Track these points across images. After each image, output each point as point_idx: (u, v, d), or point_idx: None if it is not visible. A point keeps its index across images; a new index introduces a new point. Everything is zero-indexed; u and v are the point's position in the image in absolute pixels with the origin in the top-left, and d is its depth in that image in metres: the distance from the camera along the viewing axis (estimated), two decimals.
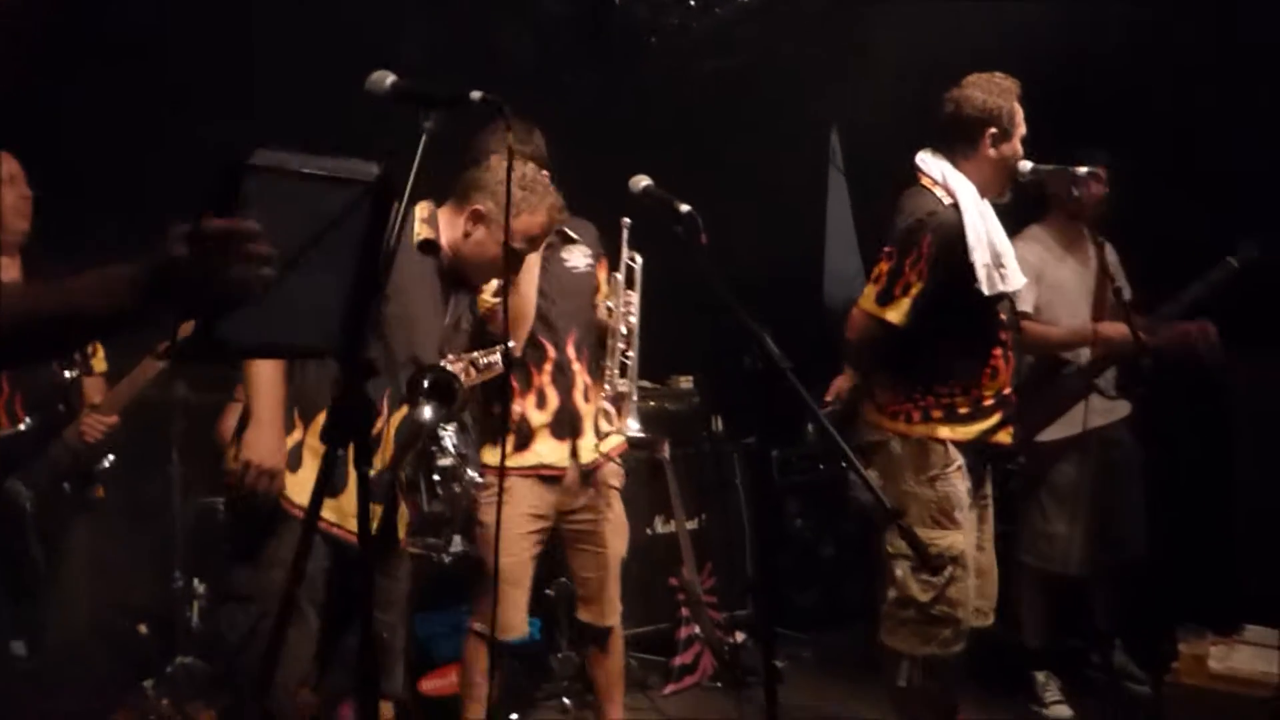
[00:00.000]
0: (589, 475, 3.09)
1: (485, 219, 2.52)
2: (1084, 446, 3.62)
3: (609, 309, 3.18)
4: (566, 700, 3.83)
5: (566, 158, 4.70)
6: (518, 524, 2.98)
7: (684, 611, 4.16)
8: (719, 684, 4.06)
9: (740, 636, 4.60)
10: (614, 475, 3.16)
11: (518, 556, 2.99)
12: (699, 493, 4.52)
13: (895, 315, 2.73)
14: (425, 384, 2.44)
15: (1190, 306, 3.53)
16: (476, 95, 1.67)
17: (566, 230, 3.11)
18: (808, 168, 5.41)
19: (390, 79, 1.74)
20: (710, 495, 4.58)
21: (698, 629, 4.14)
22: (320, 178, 1.46)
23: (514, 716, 3.68)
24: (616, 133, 5.00)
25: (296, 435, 2.38)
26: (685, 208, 2.24)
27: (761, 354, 2.00)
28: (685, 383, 4.77)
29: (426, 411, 2.44)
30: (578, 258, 3.14)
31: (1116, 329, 3.34)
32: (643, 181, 2.36)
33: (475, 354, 2.67)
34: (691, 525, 4.44)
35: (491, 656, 2.98)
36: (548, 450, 3.01)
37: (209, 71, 3.76)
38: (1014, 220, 3.78)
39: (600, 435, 3.10)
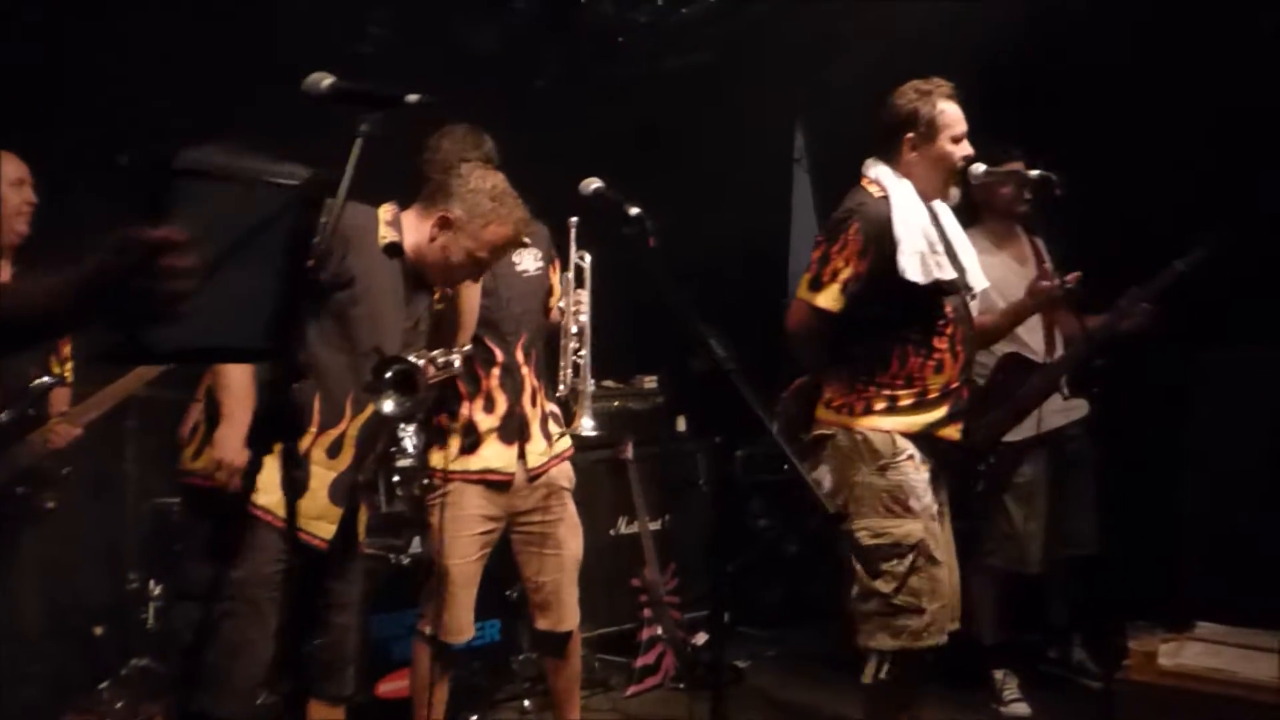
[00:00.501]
0: (537, 479, 3.08)
1: (453, 225, 2.52)
2: (1043, 445, 3.65)
3: (560, 309, 3.17)
4: (526, 702, 3.82)
5: (531, 156, 4.71)
6: (465, 526, 2.98)
7: (646, 613, 4.16)
8: (681, 685, 4.06)
9: (703, 637, 4.61)
10: (564, 476, 3.15)
11: (465, 559, 2.99)
12: (663, 493, 4.53)
13: (826, 300, 2.78)
14: (388, 375, 2.42)
15: (1135, 308, 3.55)
16: (413, 97, 1.66)
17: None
18: (773, 165, 5.42)
19: (327, 80, 1.72)
20: (674, 495, 4.59)
21: (660, 630, 4.14)
22: (250, 179, 1.45)
23: (474, 718, 3.66)
24: (582, 131, 5.00)
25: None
26: (634, 210, 2.23)
27: (707, 354, 2.00)
28: (649, 382, 4.77)
29: (389, 403, 2.43)
30: (529, 261, 3.12)
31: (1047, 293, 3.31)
32: (594, 184, 2.35)
33: (436, 353, 2.66)
34: (656, 525, 4.45)
35: (434, 659, 2.98)
36: (494, 455, 3.00)
37: (163, 71, 3.71)
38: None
39: (548, 439, 3.10)
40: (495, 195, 2.53)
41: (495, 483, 3.02)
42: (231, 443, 2.30)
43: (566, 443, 3.15)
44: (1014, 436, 3.63)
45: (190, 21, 3.85)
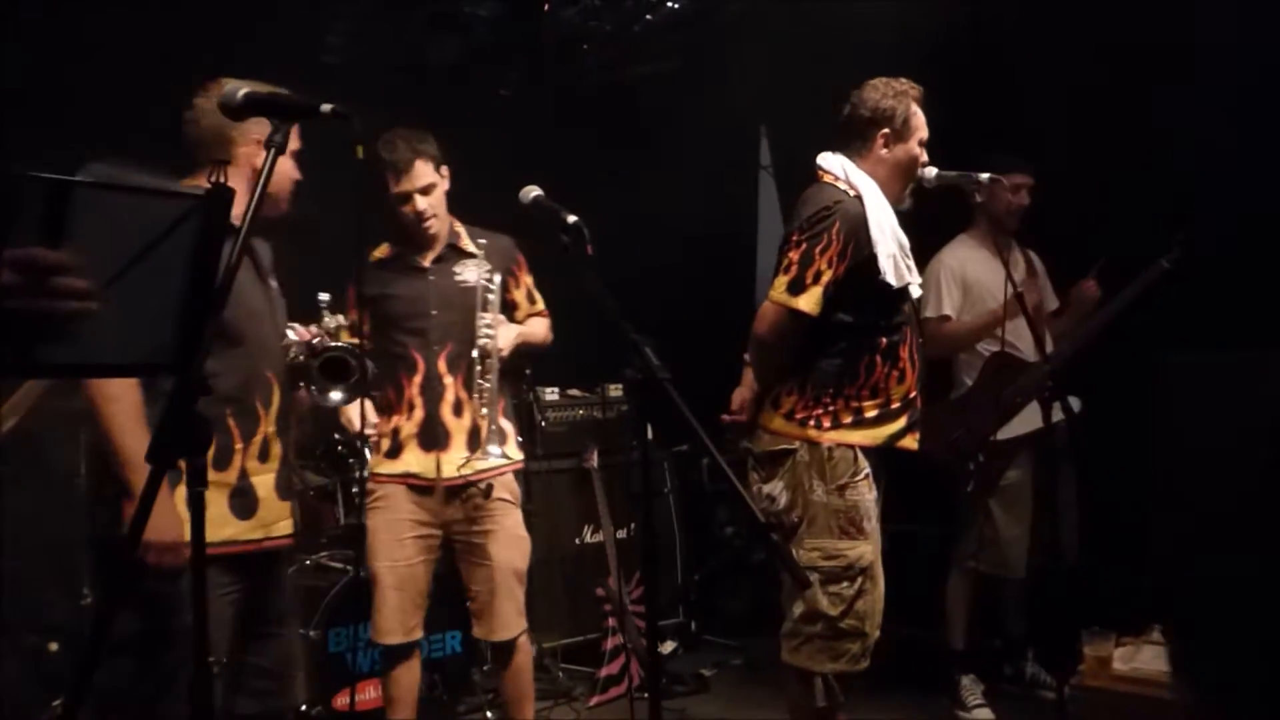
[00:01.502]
0: (459, 491, 3.04)
1: None
2: (1032, 446, 3.64)
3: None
4: (490, 714, 3.79)
5: (495, 164, 4.70)
6: (394, 529, 3.00)
7: (610, 622, 4.14)
8: (645, 694, 4.02)
9: (669, 646, 4.60)
10: (505, 489, 3.10)
11: (394, 561, 3.00)
12: (628, 502, 4.51)
13: (807, 304, 2.64)
14: (318, 367, 2.40)
15: (1124, 308, 3.58)
16: (327, 107, 1.64)
17: (462, 245, 3.10)
18: (738, 171, 5.42)
19: (243, 90, 1.70)
20: (639, 504, 4.56)
21: (624, 639, 4.12)
22: (151, 192, 1.43)
23: None
24: (545, 138, 5.00)
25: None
26: (572, 218, 2.20)
27: (641, 364, 1.97)
28: (615, 391, 4.76)
29: (335, 395, 2.43)
30: (470, 272, 3.07)
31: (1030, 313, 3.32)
32: (533, 192, 2.31)
33: (324, 320, 2.62)
34: (621, 534, 4.43)
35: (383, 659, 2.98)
36: (414, 460, 3.01)
37: (116, 79, 3.69)
38: (944, 230, 3.86)
39: (475, 450, 3.02)
40: None
41: (418, 487, 3.02)
42: (151, 523, 2.21)
43: (503, 460, 3.06)
44: (1003, 435, 3.63)
45: (148, 28, 3.85)
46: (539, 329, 3.28)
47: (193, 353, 1.41)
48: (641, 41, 5.00)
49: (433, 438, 3.00)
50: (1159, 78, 3.68)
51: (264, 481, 2.38)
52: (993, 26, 4.15)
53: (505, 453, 3.03)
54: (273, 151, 1.60)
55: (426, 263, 3.06)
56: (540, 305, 3.30)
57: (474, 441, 3.02)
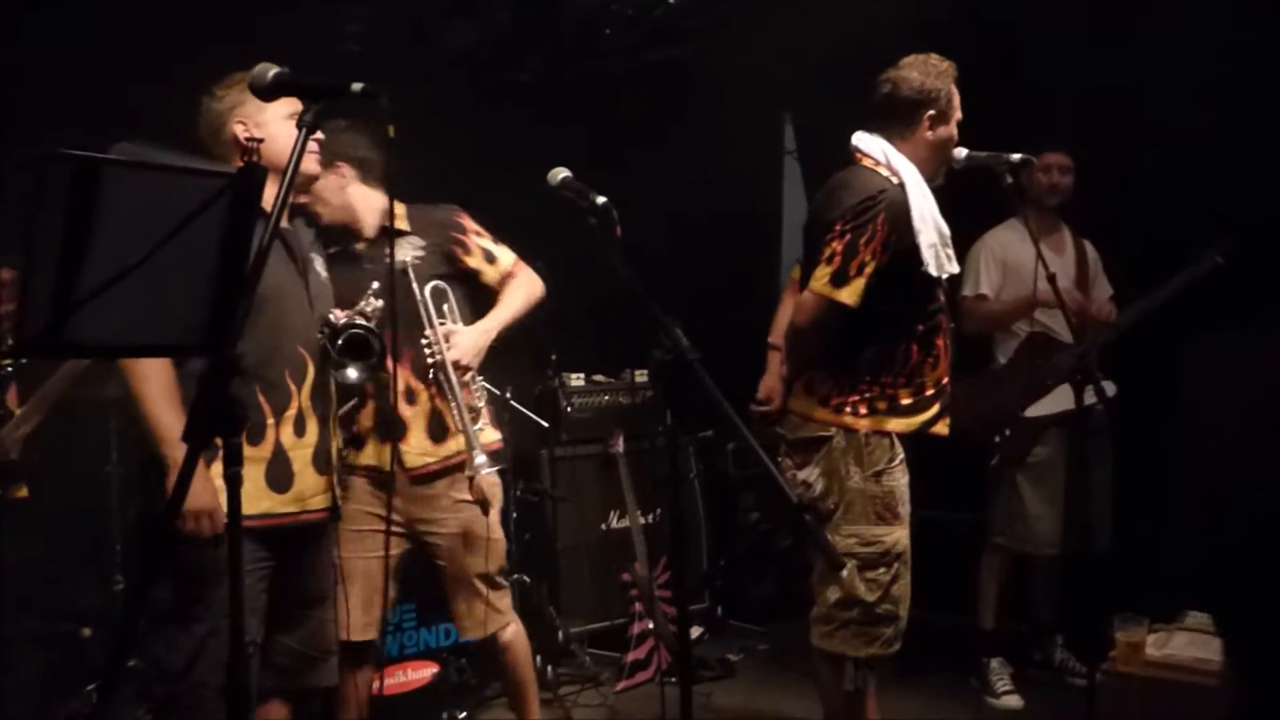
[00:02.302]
0: (424, 480, 2.89)
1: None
2: (1063, 427, 3.60)
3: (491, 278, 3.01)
4: None
5: (514, 148, 4.69)
6: (351, 520, 2.83)
7: (637, 607, 4.14)
8: (672, 680, 4.02)
9: (696, 631, 4.59)
10: (488, 487, 2.94)
11: (350, 554, 2.81)
12: (653, 487, 4.51)
13: (849, 296, 2.62)
14: (340, 344, 2.41)
15: (1168, 298, 3.53)
16: (357, 86, 1.64)
17: (397, 225, 2.91)
18: (762, 156, 5.38)
19: (273, 71, 1.70)
20: (665, 489, 4.55)
21: (651, 624, 4.12)
22: (182, 170, 1.43)
23: (462, 715, 3.65)
24: (565, 124, 4.98)
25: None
26: (601, 199, 2.19)
27: (671, 345, 1.96)
28: (640, 376, 4.75)
29: (351, 372, 2.43)
30: (404, 251, 2.89)
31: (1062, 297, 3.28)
32: (561, 173, 2.30)
33: (360, 304, 2.59)
34: (646, 520, 4.43)
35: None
36: (373, 451, 2.87)
37: (131, 65, 3.70)
38: (988, 211, 3.82)
39: (438, 441, 2.88)
40: None
41: (378, 480, 2.87)
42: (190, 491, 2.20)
43: (481, 457, 2.83)
44: (1033, 413, 3.60)
45: (169, 17, 3.85)
46: (517, 295, 3.01)
47: (224, 333, 1.41)
48: (663, 26, 4.96)
49: (388, 428, 2.85)
50: (1190, 67, 3.64)
51: (300, 456, 2.39)
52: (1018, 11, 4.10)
53: (485, 463, 2.81)
54: (304, 131, 1.59)
55: (360, 248, 2.90)
56: (506, 263, 3.02)
57: (436, 430, 2.88)
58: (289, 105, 2.25)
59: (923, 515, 2.90)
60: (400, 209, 2.95)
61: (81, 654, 3.66)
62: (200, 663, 2.22)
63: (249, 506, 2.16)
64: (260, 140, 2.20)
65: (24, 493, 3.18)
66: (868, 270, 2.61)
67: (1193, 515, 3.23)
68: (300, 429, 2.39)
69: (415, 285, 2.84)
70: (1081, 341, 3.55)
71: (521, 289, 3.03)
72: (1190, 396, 3.42)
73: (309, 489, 2.40)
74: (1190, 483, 3.42)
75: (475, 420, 2.88)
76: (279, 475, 2.35)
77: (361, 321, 2.43)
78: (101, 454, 3.65)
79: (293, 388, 2.37)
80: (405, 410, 2.87)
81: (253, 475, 2.29)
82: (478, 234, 3.01)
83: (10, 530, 3.15)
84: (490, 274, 3.01)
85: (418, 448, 2.88)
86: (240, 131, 2.33)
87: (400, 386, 2.83)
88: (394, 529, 2.88)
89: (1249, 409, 3.51)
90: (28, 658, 3.54)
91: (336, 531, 2.71)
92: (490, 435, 2.98)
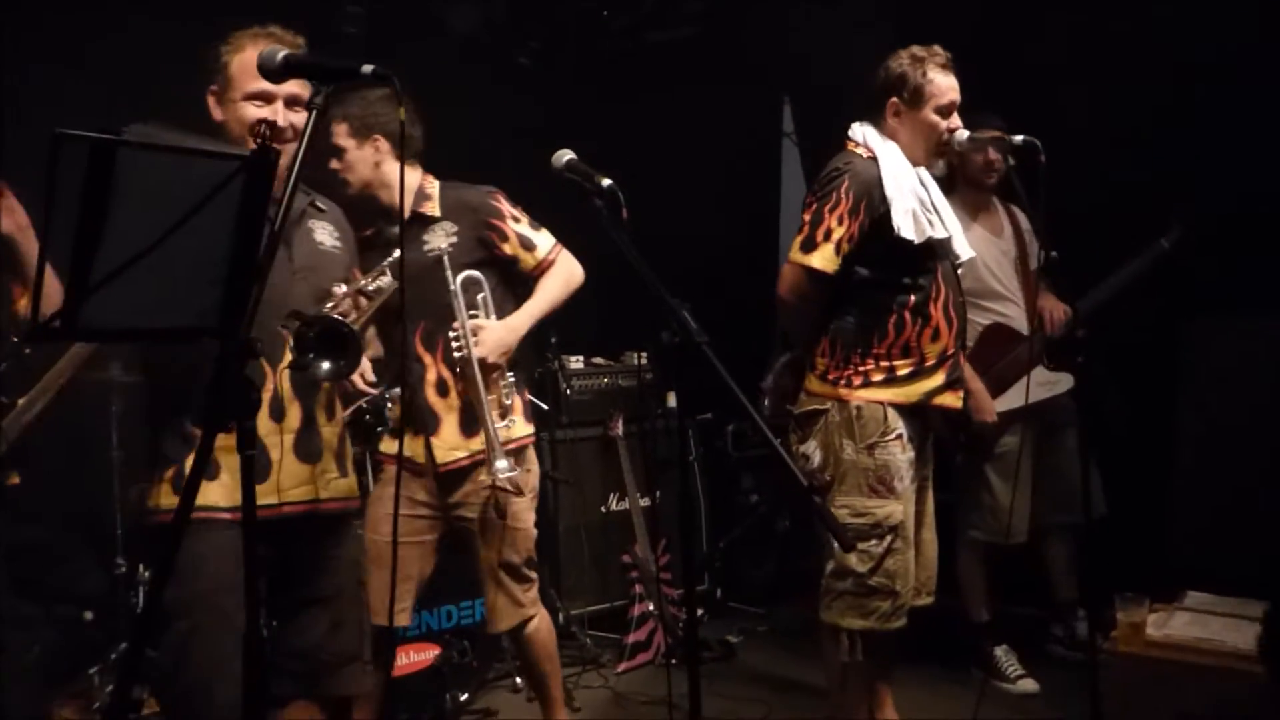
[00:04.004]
0: (454, 474, 2.84)
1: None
2: (1027, 418, 3.60)
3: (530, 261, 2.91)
4: (519, 680, 3.82)
5: (513, 131, 4.68)
6: (385, 504, 2.79)
7: (637, 589, 4.16)
8: (673, 661, 4.05)
9: (698, 613, 4.61)
10: (520, 475, 2.86)
11: (378, 535, 2.75)
12: (653, 469, 4.52)
13: (820, 261, 2.72)
14: (312, 337, 2.12)
15: (1122, 287, 3.57)
16: (368, 68, 1.62)
17: (426, 211, 2.84)
18: (761, 140, 5.38)
19: (282, 53, 1.69)
20: (665, 471, 4.58)
21: (651, 606, 4.13)
22: (195, 153, 1.43)
23: (464, 697, 3.66)
24: (565, 106, 4.96)
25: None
26: (607, 182, 2.17)
27: (679, 329, 1.96)
28: (640, 359, 4.76)
29: (323, 367, 2.13)
30: (438, 238, 2.81)
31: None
32: (565, 156, 2.28)
33: (361, 281, 2.36)
34: (646, 502, 4.44)
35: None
36: (407, 442, 2.83)
37: (137, 50, 3.67)
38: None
39: (470, 434, 2.82)
40: None
41: (413, 470, 2.84)
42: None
43: (507, 436, 2.81)
44: (1000, 407, 3.61)
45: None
46: (554, 287, 2.92)
47: (238, 316, 1.41)
48: (662, 8, 4.94)
49: (421, 421, 2.81)
50: (1160, 57, 3.64)
51: (278, 443, 2.21)
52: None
53: (507, 468, 2.72)
54: (314, 113, 1.58)
55: (395, 233, 2.78)
56: (544, 250, 2.92)
57: (468, 423, 2.81)
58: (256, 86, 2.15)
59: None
60: (433, 187, 2.87)
61: (84, 637, 3.67)
62: (186, 664, 2.10)
63: (224, 498, 2.13)
64: (273, 123, 2.14)
65: (15, 480, 3.15)
66: (835, 235, 2.71)
67: (1198, 494, 3.27)
68: (277, 413, 2.22)
69: (449, 274, 2.74)
70: (1038, 331, 3.59)
71: (559, 280, 2.93)
72: (1196, 375, 3.46)
73: (289, 479, 2.22)
74: (1193, 460, 3.46)
75: (504, 416, 2.82)
76: (255, 464, 2.16)
77: (337, 316, 2.18)
78: (103, 436, 3.63)
79: (267, 368, 2.19)
80: (437, 402, 2.81)
81: (228, 464, 2.13)
82: (515, 219, 2.90)
83: (6, 513, 3.12)
84: (528, 262, 2.91)
85: (448, 441, 2.81)
86: (211, 102, 2.24)
87: (432, 377, 2.77)
88: (428, 513, 2.86)
89: (1254, 386, 3.54)
90: (29, 640, 3.53)
91: (369, 510, 2.62)
92: (521, 429, 2.90)
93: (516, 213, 2.92)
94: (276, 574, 2.22)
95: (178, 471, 2.18)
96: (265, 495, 2.15)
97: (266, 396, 2.19)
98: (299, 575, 2.26)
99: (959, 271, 2.97)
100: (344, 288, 2.31)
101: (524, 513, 2.90)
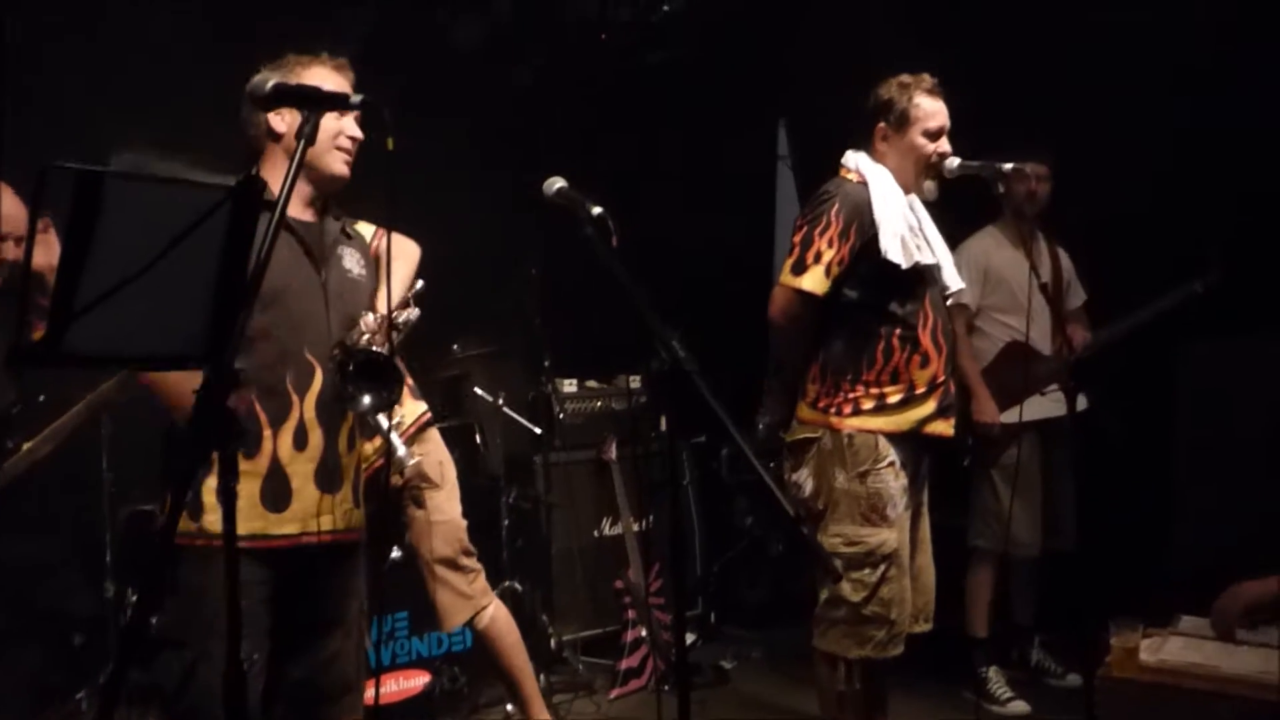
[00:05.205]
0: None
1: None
2: (1035, 431, 3.65)
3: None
4: (509, 706, 3.78)
5: (512, 151, 4.70)
6: None
7: (630, 614, 4.14)
8: (665, 687, 4.03)
9: (689, 638, 4.59)
10: (433, 466, 2.92)
11: None
12: (647, 493, 4.51)
13: (810, 284, 2.74)
14: (351, 369, 2.11)
15: (1150, 320, 3.63)
16: (357, 98, 1.63)
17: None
18: (756, 162, 5.39)
19: (272, 81, 1.69)
20: (658, 495, 4.56)
21: (644, 632, 4.11)
22: (182, 183, 1.43)
23: None
24: (563, 125, 4.98)
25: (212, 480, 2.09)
26: (597, 210, 2.18)
27: (669, 356, 1.96)
28: (633, 382, 4.75)
29: (365, 400, 2.13)
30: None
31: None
32: (557, 183, 2.29)
33: (394, 314, 2.30)
34: (639, 526, 4.42)
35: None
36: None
37: (133, 70, 3.68)
38: (967, 220, 3.84)
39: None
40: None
41: None
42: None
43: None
44: (1008, 418, 3.65)
45: (168, 15, 3.85)
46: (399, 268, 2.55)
47: (224, 345, 1.40)
48: (661, 30, 4.97)
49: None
50: (1193, 82, 3.66)
51: (300, 471, 2.18)
52: (1015, 15, 4.11)
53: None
54: (303, 143, 1.58)
55: None
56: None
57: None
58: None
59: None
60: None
61: (73, 660, 3.65)
62: (192, 689, 2.07)
63: (240, 526, 1.96)
64: (281, 135, 2.13)
65: None
66: (825, 258, 2.73)
67: (1195, 517, 3.26)
68: (301, 441, 2.17)
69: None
70: (1061, 354, 3.61)
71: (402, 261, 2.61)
72: (1194, 398, 3.46)
73: (310, 509, 2.18)
74: (1194, 485, 3.46)
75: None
76: (275, 492, 2.14)
77: (378, 348, 2.16)
78: (93, 458, 3.62)
79: (294, 396, 2.16)
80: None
81: (247, 491, 2.09)
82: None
83: None
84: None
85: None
86: (275, 121, 2.16)
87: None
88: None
89: (1252, 409, 3.53)
90: (18, 662, 3.51)
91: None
92: (415, 409, 2.91)
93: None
94: (284, 602, 2.18)
95: (193, 496, 2.11)
96: (285, 524, 2.15)
97: (291, 424, 2.16)
98: (305, 604, 2.23)
99: (949, 302, 2.98)
100: (372, 317, 2.25)
101: (445, 504, 2.91)
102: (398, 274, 2.46)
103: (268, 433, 2.12)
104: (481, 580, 2.96)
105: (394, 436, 2.53)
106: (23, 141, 2.10)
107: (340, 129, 2.18)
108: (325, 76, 2.11)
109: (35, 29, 3.50)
